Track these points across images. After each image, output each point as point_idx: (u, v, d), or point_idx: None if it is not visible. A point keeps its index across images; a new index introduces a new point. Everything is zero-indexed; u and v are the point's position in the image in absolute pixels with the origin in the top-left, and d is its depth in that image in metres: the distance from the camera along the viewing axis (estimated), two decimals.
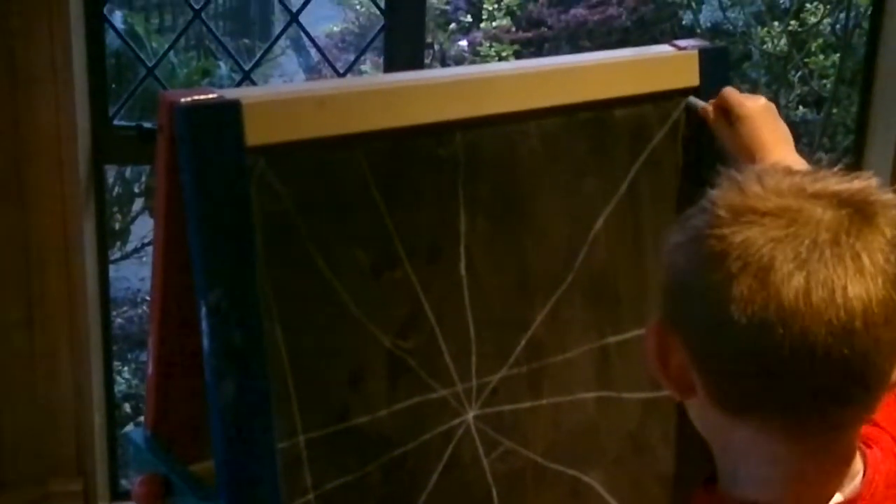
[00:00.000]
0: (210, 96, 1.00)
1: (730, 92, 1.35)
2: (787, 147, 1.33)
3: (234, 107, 1.00)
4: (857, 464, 0.89)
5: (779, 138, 1.33)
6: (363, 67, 3.87)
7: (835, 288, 0.79)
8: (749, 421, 0.86)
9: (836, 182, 0.84)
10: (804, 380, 0.81)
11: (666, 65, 1.37)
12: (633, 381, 1.34)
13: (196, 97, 0.99)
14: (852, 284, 0.79)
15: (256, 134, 1.02)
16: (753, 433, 0.86)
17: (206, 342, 1.00)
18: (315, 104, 1.07)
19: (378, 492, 1.13)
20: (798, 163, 1.31)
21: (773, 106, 1.36)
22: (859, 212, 0.81)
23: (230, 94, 1.02)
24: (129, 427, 2.90)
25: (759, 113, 1.33)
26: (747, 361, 0.83)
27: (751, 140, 1.31)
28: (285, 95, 1.06)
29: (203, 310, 1.00)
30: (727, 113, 1.34)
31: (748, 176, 0.86)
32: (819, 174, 0.86)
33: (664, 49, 1.39)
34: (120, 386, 2.89)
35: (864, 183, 0.84)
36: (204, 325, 1.00)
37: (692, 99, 1.37)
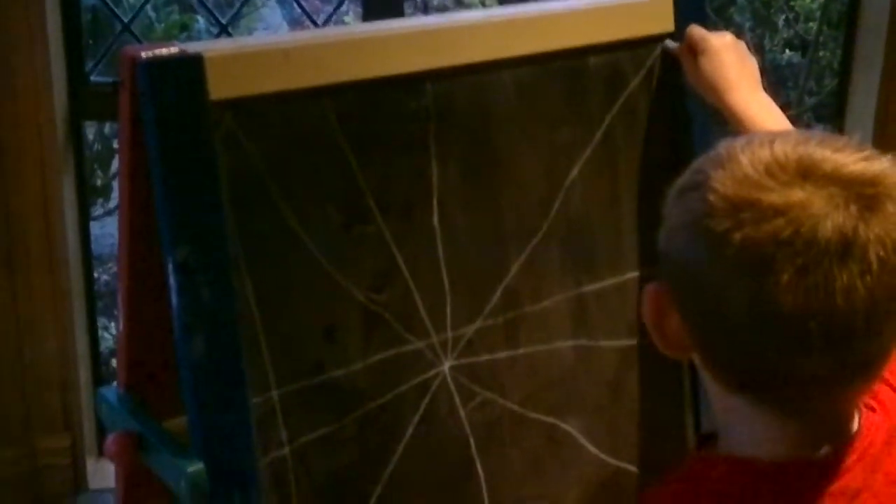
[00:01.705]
0: (172, 50, 0.99)
1: (694, 28, 1.32)
2: (753, 85, 1.30)
3: (195, 61, 0.98)
4: (855, 422, 0.88)
5: (744, 76, 1.29)
6: (346, 18, 3.83)
7: (836, 293, 0.75)
8: (742, 396, 0.85)
9: (852, 160, 0.78)
10: (801, 371, 0.80)
11: (640, 10, 1.35)
12: (611, 329, 1.33)
13: (157, 52, 0.98)
14: (856, 287, 0.76)
15: (221, 88, 1.00)
16: (748, 405, 0.85)
17: (174, 299, 1.00)
18: (281, 56, 1.05)
19: (354, 444, 1.12)
20: (765, 102, 1.28)
21: (741, 43, 1.32)
22: (870, 206, 0.77)
23: (193, 47, 1.01)
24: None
25: (723, 49, 1.29)
26: (742, 351, 0.82)
27: (715, 77, 1.28)
28: (250, 48, 1.05)
29: (171, 266, 0.99)
30: (693, 50, 1.31)
31: (747, 152, 0.80)
32: (831, 143, 0.80)
33: None
34: (107, 342, 2.89)
35: (881, 166, 0.79)
36: (172, 281, 0.99)
37: (667, 42, 1.36)
